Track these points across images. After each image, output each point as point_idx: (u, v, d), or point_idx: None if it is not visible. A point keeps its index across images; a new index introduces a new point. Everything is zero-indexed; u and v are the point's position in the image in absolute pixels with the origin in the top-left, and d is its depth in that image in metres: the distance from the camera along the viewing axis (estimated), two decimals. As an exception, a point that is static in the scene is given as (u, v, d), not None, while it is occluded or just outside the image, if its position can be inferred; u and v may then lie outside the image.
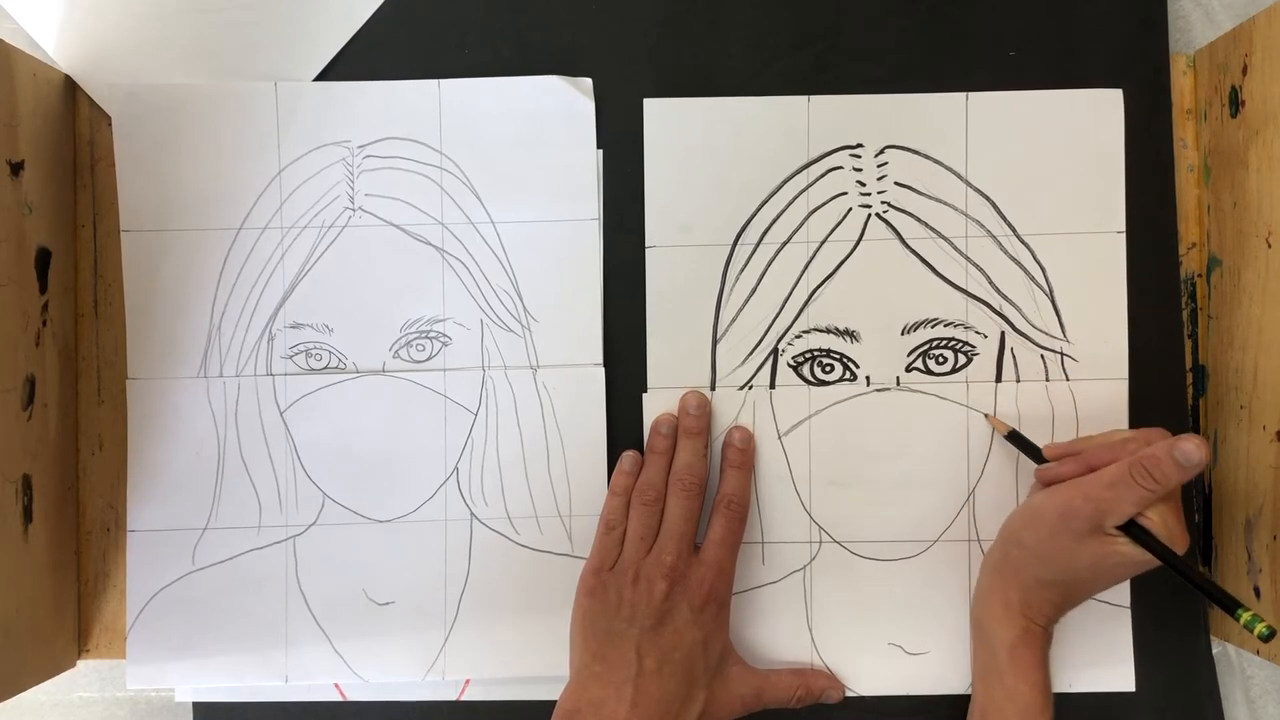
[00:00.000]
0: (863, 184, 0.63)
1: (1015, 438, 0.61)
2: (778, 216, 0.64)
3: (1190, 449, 0.51)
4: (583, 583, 0.60)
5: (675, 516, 0.60)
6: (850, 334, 0.63)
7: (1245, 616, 0.51)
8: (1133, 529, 0.53)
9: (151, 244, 0.64)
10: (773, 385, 0.64)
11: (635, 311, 0.64)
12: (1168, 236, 0.64)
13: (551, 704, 0.60)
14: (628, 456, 0.63)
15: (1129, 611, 0.63)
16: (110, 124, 0.64)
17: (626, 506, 0.61)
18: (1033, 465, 0.60)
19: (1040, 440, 0.62)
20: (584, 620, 0.59)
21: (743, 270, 0.64)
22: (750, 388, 0.64)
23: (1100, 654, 0.63)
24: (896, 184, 0.63)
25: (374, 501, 0.64)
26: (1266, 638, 0.51)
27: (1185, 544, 0.54)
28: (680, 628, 0.58)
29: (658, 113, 0.64)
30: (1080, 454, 0.57)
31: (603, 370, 0.64)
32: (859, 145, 0.64)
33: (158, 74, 0.64)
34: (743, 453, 0.62)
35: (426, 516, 0.64)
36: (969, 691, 0.63)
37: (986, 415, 0.63)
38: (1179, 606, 0.63)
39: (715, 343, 0.64)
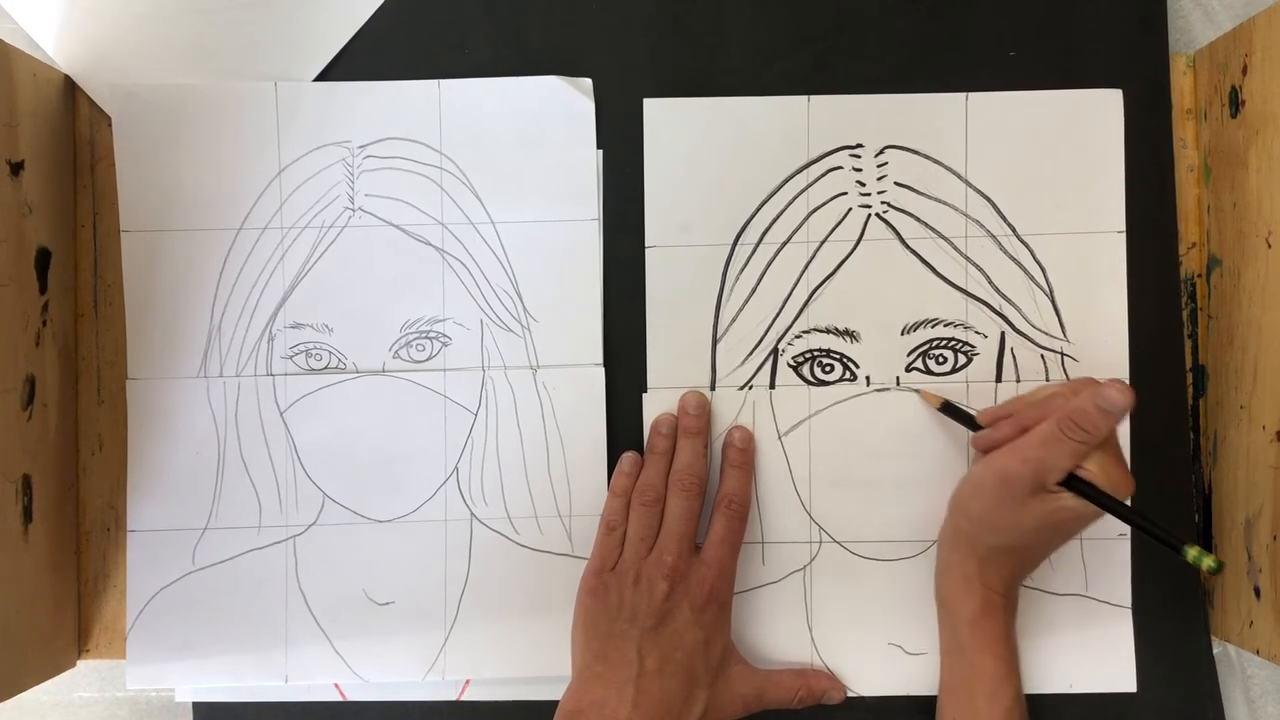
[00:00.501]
0: (863, 184, 0.63)
1: (949, 409, 0.61)
2: (778, 216, 0.64)
3: (1113, 395, 0.51)
4: (584, 583, 0.60)
5: (675, 516, 0.60)
6: (850, 334, 0.63)
7: (1192, 553, 0.51)
8: (1073, 482, 0.53)
9: (151, 244, 0.64)
10: (773, 385, 0.64)
11: (635, 311, 0.64)
12: (1168, 236, 0.64)
13: (552, 704, 0.60)
14: (627, 458, 0.63)
15: (1129, 612, 0.63)
16: (110, 124, 0.64)
17: (627, 507, 0.61)
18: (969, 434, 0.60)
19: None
20: (585, 621, 0.59)
21: (743, 270, 0.64)
22: (750, 388, 0.64)
23: (1100, 654, 0.63)
24: (896, 184, 0.63)
25: (374, 501, 0.64)
26: (1215, 570, 0.51)
27: (1130, 487, 0.54)
28: (681, 628, 0.58)
29: (658, 113, 0.64)
30: (1012, 416, 0.57)
31: (603, 370, 0.64)
32: (859, 145, 0.64)
33: (158, 74, 0.64)
34: (743, 452, 0.62)
35: (426, 516, 0.64)
36: (969, 691, 0.63)
37: (918, 391, 0.63)
38: (1179, 607, 0.63)
39: (715, 343, 0.64)
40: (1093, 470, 0.53)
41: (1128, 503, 0.54)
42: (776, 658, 0.63)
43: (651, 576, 0.58)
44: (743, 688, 0.60)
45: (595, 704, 0.56)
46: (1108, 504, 0.53)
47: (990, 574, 0.57)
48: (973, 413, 0.60)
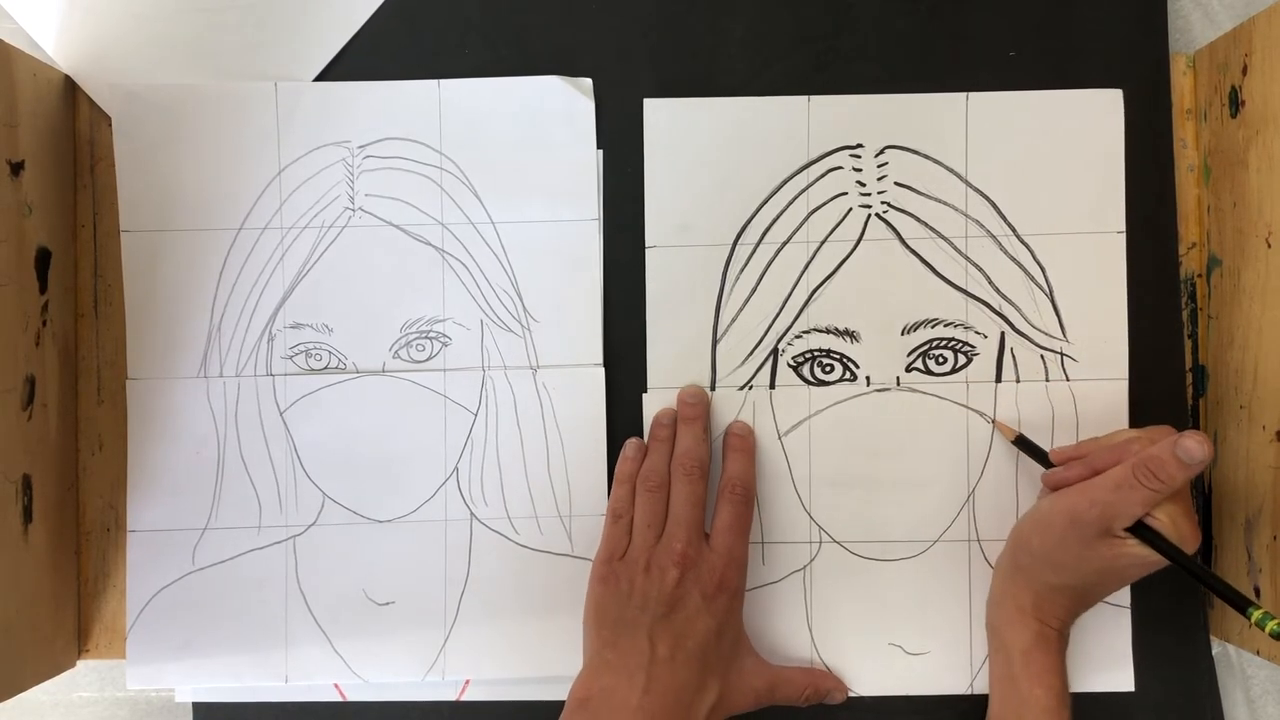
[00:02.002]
0: (863, 184, 0.63)
1: (1022, 442, 0.61)
2: (778, 216, 0.64)
3: (1192, 446, 0.51)
4: (594, 572, 0.60)
5: (681, 501, 0.59)
6: (850, 334, 0.63)
7: (1257, 615, 0.51)
8: (1141, 530, 0.53)
9: (151, 244, 0.64)
10: (773, 385, 0.64)
11: (635, 311, 0.64)
12: (1168, 236, 0.64)
13: (552, 704, 0.60)
14: (631, 443, 0.63)
15: (1129, 612, 0.63)
16: (110, 124, 0.64)
17: (633, 494, 0.61)
18: (1037, 468, 0.60)
19: (1042, 442, 0.62)
20: (596, 609, 0.59)
21: (743, 270, 0.64)
22: (750, 388, 0.64)
23: (1100, 654, 0.63)
24: (896, 184, 0.63)
25: (374, 502, 0.64)
26: (1279, 635, 0.51)
27: (1197, 540, 0.54)
28: (692, 615, 0.58)
29: (658, 113, 0.64)
30: (1085, 457, 0.57)
31: (603, 370, 0.64)
32: (859, 145, 0.64)
33: (158, 74, 0.64)
34: (743, 439, 0.62)
35: (426, 516, 0.64)
36: (968, 692, 0.63)
37: (993, 420, 0.63)
38: (1179, 607, 0.63)
39: (715, 343, 0.64)
40: (1162, 520, 0.53)
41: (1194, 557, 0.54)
42: (777, 657, 0.63)
43: (662, 564, 0.58)
44: (755, 680, 0.60)
45: (605, 691, 0.56)
46: (1174, 555, 0.53)
47: (1046, 608, 0.57)
48: (1045, 450, 0.60)
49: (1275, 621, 0.50)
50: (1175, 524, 0.53)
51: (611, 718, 0.55)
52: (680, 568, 0.58)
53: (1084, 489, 0.54)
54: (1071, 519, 0.54)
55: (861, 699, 0.63)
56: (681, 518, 0.59)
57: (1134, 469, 0.52)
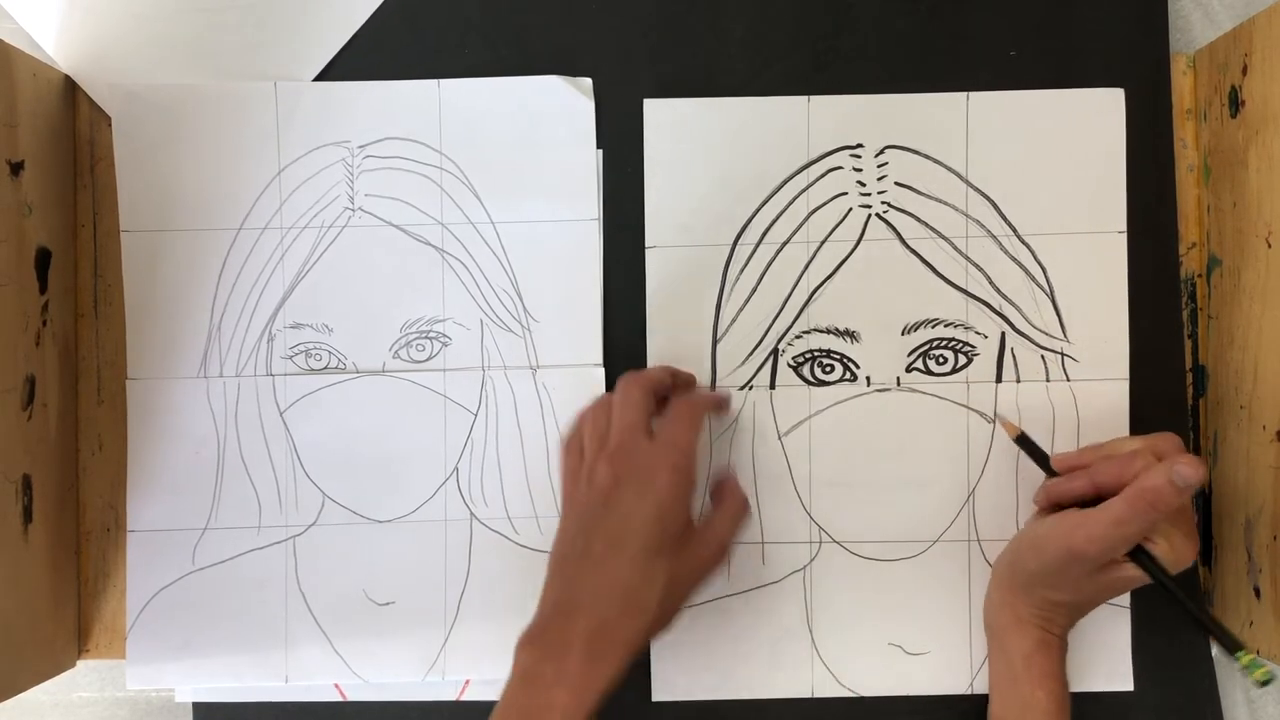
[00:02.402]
0: (863, 184, 0.63)
1: (1023, 441, 0.60)
2: (778, 217, 0.64)
3: (1187, 472, 0.51)
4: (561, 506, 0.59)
5: (620, 405, 0.56)
6: (850, 334, 0.63)
7: (1245, 659, 0.51)
8: (1139, 554, 0.53)
9: (151, 244, 0.64)
10: (773, 385, 0.64)
11: (635, 311, 0.64)
12: (1168, 236, 0.64)
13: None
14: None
15: (1128, 612, 0.63)
16: (110, 124, 0.64)
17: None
18: (1037, 468, 0.59)
19: (1043, 443, 0.61)
20: (554, 546, 0.57)
21: (743, 270, 0.64)
22: (750, 388, 0.64)
23: (1099, 654, 0.63)
24: (896, 184, 0.63)
25: (374, 502, 0.64)
26: (1264, 683, 0.51)
27: (1194, 554, 0.54)
28: (629, 509, 0.54)
29: (658, 113, 0.64)
30: (1089, 468, 0.56)
31: (603, 370, 0.64)
32: (859, 145, 0.63)
33: (158, 74, 0.64)
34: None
35: (426, 517, 0.64)
36: (968, 692, 0.63)
37: (997, 417, 0.63)
38: (1178, 606, 0.63)
39: (715, 343, 0.64)
40: (1160, 546, 0.53)
41: (1192, 564, 0.54)
42: (776, 658, 0.63)
43: (596, 466, 0.55)
44: (701, 548, 0.56)
45: (549, 607, 0.55)
46: (1170, 587, 0.53)
47: (1047, 618, 0.57)
48: (1047, 453, 0.59)
49: (1263, 670, 0.51)
50: (1173, 545, 0.53)
51: (559, 638, 0.53)
52: (611, 464, 0.55)
53: (1083, 523, 0.53)
54: (1071, 556, 0.54)
55: (862, 699, 0.63)
56: (619, 420, 0.56)
57: (1132, 503, 0.52)
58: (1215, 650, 0.64)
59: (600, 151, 0.64)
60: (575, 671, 0.51)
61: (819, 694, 0.63)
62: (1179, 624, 0.63)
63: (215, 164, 0.64)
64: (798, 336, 0.63)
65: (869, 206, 0.63)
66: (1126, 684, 0.63)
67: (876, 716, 0.63)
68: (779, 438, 0.63)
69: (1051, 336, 0.63)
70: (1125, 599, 0.63)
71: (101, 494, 0.65)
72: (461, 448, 0.64)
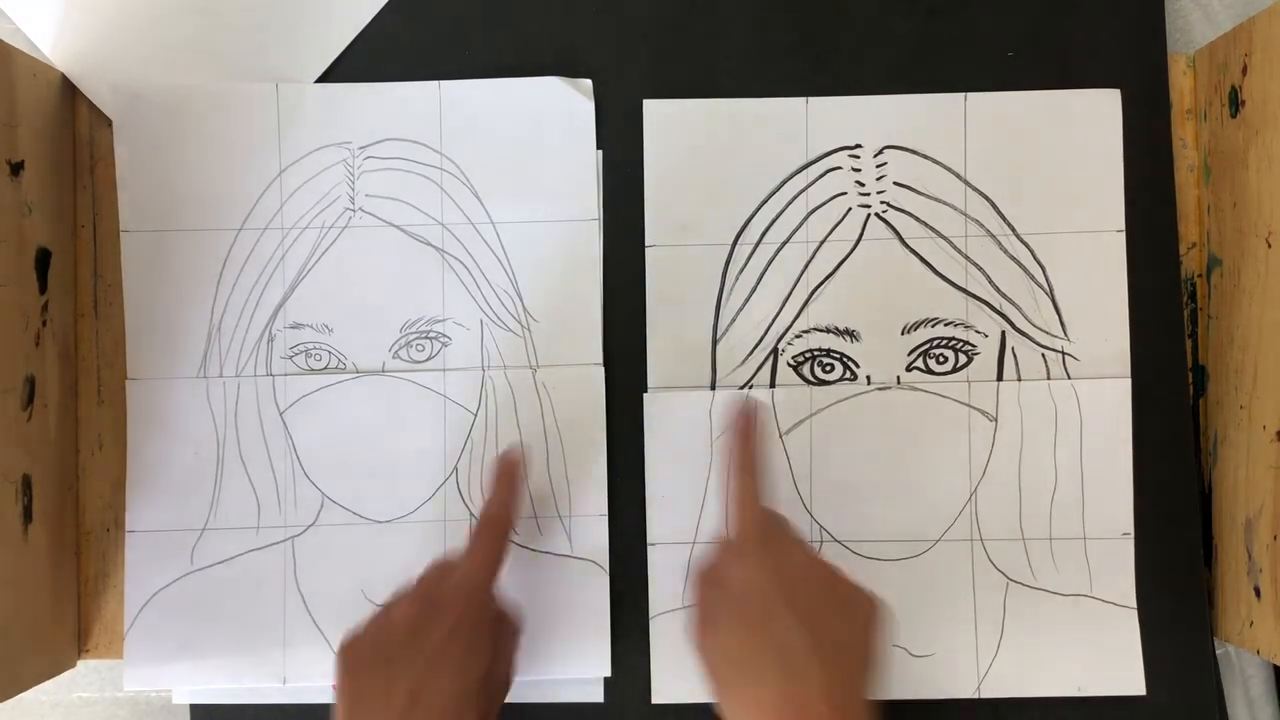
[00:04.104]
0: (862, 184, 0.63)
1: None
2: (777, 216, 0.64)
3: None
4: None
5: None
6: (850, 334, 0.63)
7: None
8: None
9: (151, 244, 0.64)
10: (773, 385, 0.64)
11: (635, 311, 0.64)
12: (1168, 236, 0.64)
13: (552, 705, 0.60)
14: None
15: (1135, 612, 0.62)
16: (110, 124, 0.64)
17: None
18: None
19: (1045, 443, 0.61)
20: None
21: (743, 270, 0.64)
22: (750, 387, 0.64)
23: (1109, 656, 0.62)
24: (896, 184, 0.63)
25: (373, 502, 0.64)
26: None
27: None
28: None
29: (658, 113, 0.64)
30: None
31: (603, 370, 0.64)
32: (858, 145, 0.64)
33: (158, 74, 0.65)
34: (507, 467, 0.59)
35: (426, 517, 0.64)
36: (976, 696, 0.62)
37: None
38: (1182, 607, 0.63)
39: (715, 343, 0.64)
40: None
41: None
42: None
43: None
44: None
45: None
46: None
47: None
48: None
49: None
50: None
51: None
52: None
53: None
54: (698, 572, 0.54)
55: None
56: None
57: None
58: (1219, 650, 0.64)
59: (600, 151, 0.64)
60: None
61: (819, 695, 0.63)
62: (1183, 626, 0.63)
63: (216, 164, 0.64)
64: (797, 336, 0.63)
65: (868, 206, 0.63)
66: (1139, 688, 0.62)
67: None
68: (779, 437, 0.63)
69: (1052, 335, 0.63)
70: (1131, 598, 0.62)
71: (101, 494, 0.65)
72: (461, 448, 0.64)
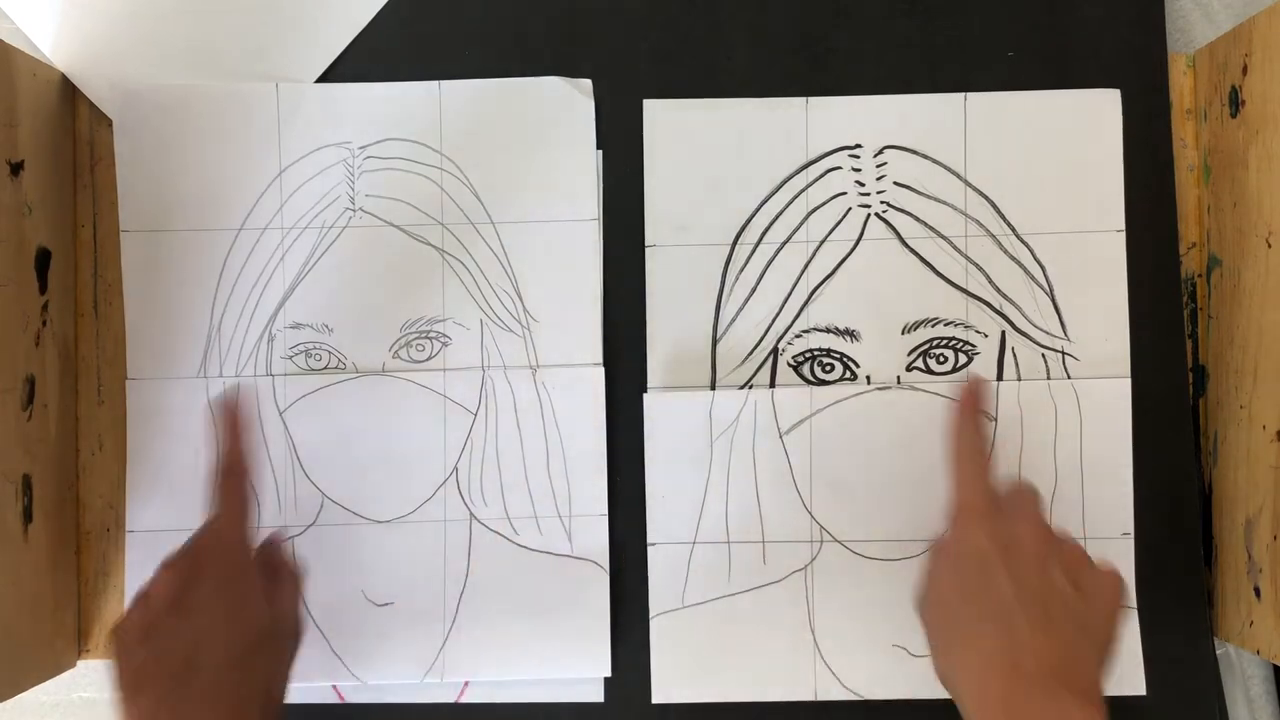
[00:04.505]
0: (862, 184, 0.63)
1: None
2: (777, 216, 0.64)
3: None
4: None
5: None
6: (850, 334, 0.63)
7: None
8: None
9: (151, 244, 0.64)
10: (773, 385, 0.64)
11: (635, 311, 0.64)
12: (1168, 236, 0.64)
13: (552, 705, 0.60)
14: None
15: (1134, 612, 0.62)
16: (110, 124, 0.64)
17: None
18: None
19: (1045, 443, 0.61)
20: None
21: (743, 270, 0.64)
22: (750, 387, 0.64)
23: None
24: (895, 184, 0.63)
25: (373, 502, 0.64)
26: None
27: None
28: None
29: (658, 113, 0.64)
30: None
31: (603, 370, 0.64)
32: (857, 146, 0.64)
33: (159, 74, 0.65)
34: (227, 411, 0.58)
35: (426, 517, 0.64)
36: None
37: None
38: (1181, 608, 0.63)
39: (715, 343, 0.64)
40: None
41: None
42: (778, 658, 0.63)
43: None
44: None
45: None
46: None
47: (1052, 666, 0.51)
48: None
49: None
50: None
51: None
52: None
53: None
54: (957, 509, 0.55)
55: (866, 702, 0.63)
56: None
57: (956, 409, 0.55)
58: (1219, 651, 0.64)
59: (600, 151, 0.64)
60: None
61: (822, 697, 0.63)
62: (1184, 626, 0.63)
63: (216, 164, 0.64)
64: (797, 336, 0.63)
65: (868, 206, 0.63)
66: (1139, 688, 0.62)
67: None
68: (779, 436, 0.63)
69: (1052, 335, 0.63)
70: (1131, 598, 0.62)
71: (101, 494, 0.65)
72: (461, 448, 0.64)
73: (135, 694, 0.50)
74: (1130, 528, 0.63)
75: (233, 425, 0.57)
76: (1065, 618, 0.49)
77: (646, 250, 0.64)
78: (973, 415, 0.56)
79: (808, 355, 0.63)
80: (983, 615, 0.49)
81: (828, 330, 0.63)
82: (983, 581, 0.50)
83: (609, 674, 0.63)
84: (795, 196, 0.64)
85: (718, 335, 0.64)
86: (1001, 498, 0.54)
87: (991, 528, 0.51)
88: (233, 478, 0.56)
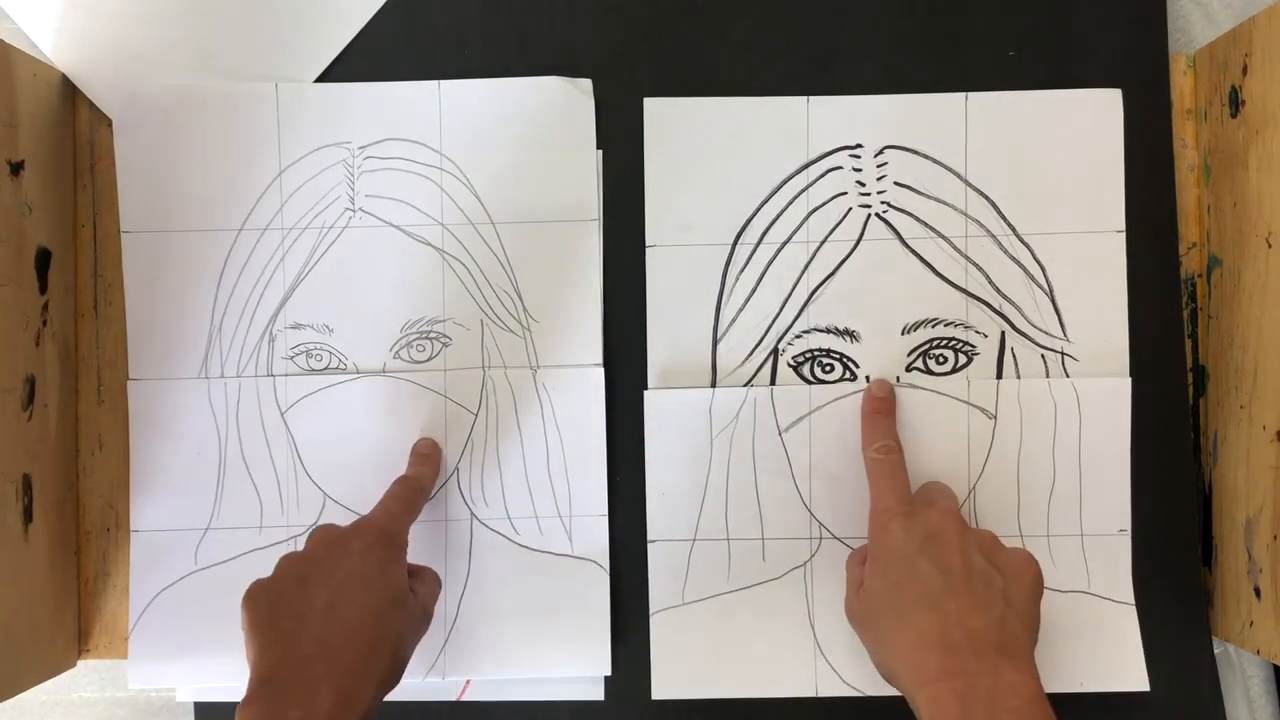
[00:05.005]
0: (862, 184, 0.63)
1: None
2: (777, 216, 0.64)
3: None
4: None
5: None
6: (850, 334, 0.63)
7: None
8: None
9: (151, 244, 0.64)
10: (773, 385, 0.64)
11: (635, 311, 0.64)
12: (1168, 236, 0.64)
13: (552, 704, 0.60)
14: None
15: (1134, 609, 0.62)
16: (110, 124, 0.64)
17: None
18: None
19: (1045, 443, 0.61)
20: (255, 604, 0.55)
21: (743, 270, 0.64)
22: (751, 386, 0.64)
23: (1110, 652, 0.62)
24: (896, 184, 0.63)
25: (374, 501, 0.64)
26: None
27: None
28: (351, 565, 0.55)
29: (658, 113, 0.64)
30: None
31: (603, 370, 0.64)
32: (858, 145, 0.64)
33: (158, 74, 0.65)
34: (425, 450, 0.63)
35: (426, 517, 0.64)
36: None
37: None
38: (1180, 607, 0.63)
39: (715, 343, 0.64)
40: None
41: None
42: (778, 655, 0.63)
43: (312, 534, 0.57)
44: (416, 608, 0.57)
45: (269, 666, 0.52)
46: None
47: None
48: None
49: None
50: None
51: (300, 685, 0.51)
52: (324, 531, 0.57)
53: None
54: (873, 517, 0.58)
55: (866, 698, 0.63)
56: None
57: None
58: (1217, 650, 0.64)
59: (600, 151, 0.64)
60: (327, 711, 0.49)
61: (823, 693, 0.63)
62: (1183, 624, 0.63)
63: (216, 165, 0.64)
64: (798, 336, 0.63)
65: (869, 206, 0.63)
66: (1141, 684, 0.62)
67: (882, 717, 0.63)
68: (779, 433, 0.63)
69: (1051, 336, 0.63)
70: (1129, 595, 0.62)
71: (102, 494, 0.65)
72: (461, 448, 0.64)
73: (278, 619, 0.52)
74: (1127, 525, 0.63)
75: (429, 456, 0.63)
76: (990, 593, 0.52)
77: (647, 250, 0.64)
78: (877, 419, 0.60)
79: (808, 355, 0.64)
80: (914, 604, 0.52)
81: (828, 330, 0.63)
82: (909, 574, 0.53)
83: (609, 673, 0.63)
84: (796, 196, 0.64)
85: (718, 335, 0.64)
86: (913, 496, 0.58)
87: (908, 524, 0.55)
88: (409, 489, 0.60)
